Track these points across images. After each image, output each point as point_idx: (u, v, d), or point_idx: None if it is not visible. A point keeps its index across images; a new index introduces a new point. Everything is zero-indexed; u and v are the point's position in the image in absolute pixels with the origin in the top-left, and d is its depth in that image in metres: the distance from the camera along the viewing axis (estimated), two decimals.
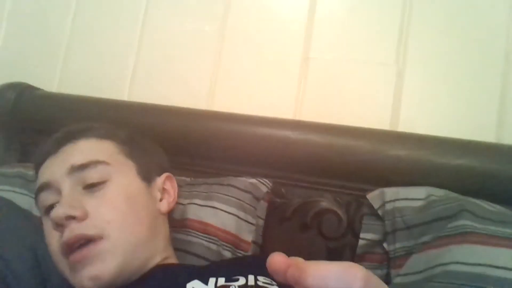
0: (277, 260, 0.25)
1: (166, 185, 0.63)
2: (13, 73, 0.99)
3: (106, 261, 0.49)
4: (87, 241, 0.49)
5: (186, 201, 0.71)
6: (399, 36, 0.83)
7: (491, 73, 0.78)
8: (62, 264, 0.51)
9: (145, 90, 0.95)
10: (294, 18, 0.89)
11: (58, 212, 0.49)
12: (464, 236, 0.57)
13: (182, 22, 0.95)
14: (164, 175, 0.64)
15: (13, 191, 0.72)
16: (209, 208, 0.69)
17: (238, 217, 0.68)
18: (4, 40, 1.07)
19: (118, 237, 0.51)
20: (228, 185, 0.72)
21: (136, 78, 0.96)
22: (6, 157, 0.89)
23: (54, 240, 0.51)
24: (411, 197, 0.65)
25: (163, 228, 0.61)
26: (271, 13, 0.91)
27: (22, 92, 0.90)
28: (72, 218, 0.49)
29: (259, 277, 0.50)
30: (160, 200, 0.61)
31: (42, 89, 0.94)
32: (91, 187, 0.53)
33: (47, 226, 0.53)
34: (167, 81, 0.94)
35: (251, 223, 0.69)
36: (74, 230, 0.49)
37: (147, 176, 0.60)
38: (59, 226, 0.50)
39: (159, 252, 0.57)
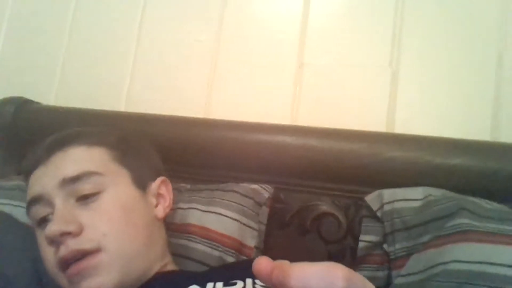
0: (261, 264, 0.25)
1: (161, 190, 0.62)
2: (10, 87, 1.00)
3: (105, 274, 0.48)
4: (84, 255, 0.48)
5: (186, 206, 0.71)
6: (392, 39, 0.83)
7: (485, 72, 0.78)
8: (59, 278, 0.50)
9: (142, 100, 0.96)
10: (287, 25, 0.90)
11: (53, 229, 0.48)
12: (463, 235, 0.57)
13: (177, 32, 0.96)
14: (159, 179, 0.62)
15: (12, 205, 0.71)
16: (211, 214, 0.69)
17: (241, 222, 0.68)
18: (2, 54, 1.08)
19: (116, 249, 0.50)
20: (230, 190, 0.72)
21: (133, 89, 0.97)
22: (5, 171, 0.89)
23: (49, 254, 0.50)
24: (409, 197, 0.65)
25: (160, 235, 0.60)
26: (265, 20, 0.92)
27: (20, 106, 0.90)
28: (67, 234, 0.48)
29: (256, 281, 0.50)
30: (156, 206, 0.60)
31: (40, 103, 0.95)
32: (84, 199, 0.52)
33: (41, 239, 0.52)
34: (164, 91, 0.94)
35: (254, 229, 0.70)
36: (70, 245, 0.48)
37: (142, 183, 0.58)
38: (54, 242, 0.49)
39: (158, 260, 0.57)
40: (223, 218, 0.68)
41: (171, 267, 0.59)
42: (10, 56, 1.08)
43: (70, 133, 0.58)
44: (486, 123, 0.76)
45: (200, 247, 0.66)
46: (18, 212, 0.68)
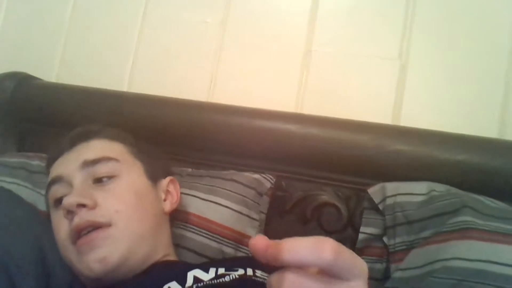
0: (258, 241, 0.27)
1: (170, 188, 0.65)
2: (12, 62, 0.98)
3: (113, 247, 0.51)
4: (95, 228, 0.52)
5: (186, 191, 0.70)
6: (402, 30, 0.82)
7: (494, 68, 0.77)
8: (69, 250, 0.52)
9: (145, 81, 0.94)
10: (297, 10, 0.88)
11: (70, 199, 0.52)
12: (465, 232, 0.57)
13: (183, 13, 0.94)
14: (168, 178, 0.66)
15: (17, 184, 0.72)
16: (211, 203, 0.68)
17: (241, 213, 0.68)
18: (3, 29, 1.06)
19: (125, 227, 0.53)
20: (232, 180, 0.72)
21: (136, 69, 0.95)
22: (5, 146, 0.88)
23: (63, 228, 0.53)
24: (412, 192, 0.65)
25: (166, 227, 0.62)
26: (273, 5, 0.90)
27: (21, 82, 0.89)
28: (82, 206, 0.52)
29: (257, 271, 0.51)
30: (164, 200, 0.63)
31: (41, 79, 0.93)
32: (101, 181, 0.56)
33: (56, 216, 0.55)
34: (167, 73, 0.93)
35: (255, 219, 0.69)
36: (84, 216, 0.51)
37: (153, 176, 0.63)
38: (70, 213, 0.52)
39: (161, 248, 0.58)
40: (223, 208, 0.68)
41: (172, 258, 0.60)
42: (12, 31, 1.05)
43: (93, 128, 0.64)
44: (494, 119, 0.75)
45: (198, 238, 0.67)
46: (22, 191, 0.69)
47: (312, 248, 0.26)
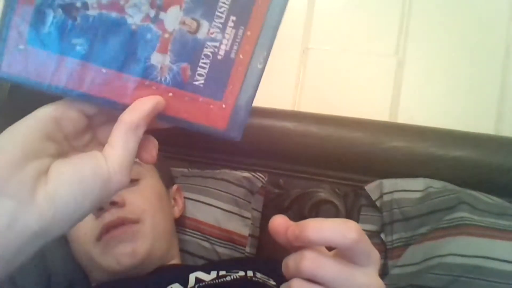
0: (278, 221, 0.28)
1: (176, 195, 0.68)
2: None
3: (140, 242, 0.53)
4: (126, 223, 0.54)
5: None
6: (399, 27, 0.82)
7: (491, 65, 0.77)
8: (91, 245, 0.53)
9: None
10: (293, 8, 0.88)
11: None
12: (461, 228, 0.57)
13: None
14: (175, 186, 0.68)
15: None
16: (202, 204, 0.69)
17: (232, 212, 0.69)
18: None
19: (151, 224, 0.55)
20: (222, 179, 0.72)
21: None
22: None
23: (86, 224, 0.54)
24: (409, 188, 0.65)
25: (176, 232, 0.64)
26: None
27: None
28: (113, 204, 0.54)
29: (257, 273, 0.52)
30: (173, 206, 0.66)
31: None
32: None
33: None
34: None
35: (247, 217, 0.70)
36: (116, 213, 0.53)
37: (166, 183, 0.65)
38: (100, 210, 0.53)
39: (173, 251, 0.60)
40: (214, 209, 0.68)
41: (178, 262, 0.61)
42: None
43: None
44: (491, 116, 0.75)
45: (191, 239, 0.67)
46: None
47: (338, 228, 0.26)
